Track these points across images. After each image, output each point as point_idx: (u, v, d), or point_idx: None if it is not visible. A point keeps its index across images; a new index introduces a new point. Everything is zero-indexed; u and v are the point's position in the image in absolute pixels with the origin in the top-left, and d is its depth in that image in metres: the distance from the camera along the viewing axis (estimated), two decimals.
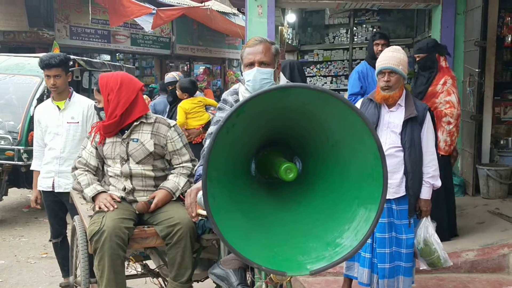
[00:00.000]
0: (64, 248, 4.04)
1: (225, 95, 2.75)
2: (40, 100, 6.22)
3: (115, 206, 2.78)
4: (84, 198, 2.96)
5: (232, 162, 1.78)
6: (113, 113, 2.88)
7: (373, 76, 4.52)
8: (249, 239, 1.70)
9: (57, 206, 3.93)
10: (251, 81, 2.48)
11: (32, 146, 5.79)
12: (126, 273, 3.14)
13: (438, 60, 4.44)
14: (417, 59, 4.57)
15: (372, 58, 4.75)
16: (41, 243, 5.48)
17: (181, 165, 3.02)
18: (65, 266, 3.99)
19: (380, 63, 3.08)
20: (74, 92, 3.94)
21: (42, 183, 3.89)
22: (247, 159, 1.97)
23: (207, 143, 2.54)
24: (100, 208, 2.77)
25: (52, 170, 3.84)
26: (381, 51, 4.45)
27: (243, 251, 1.62)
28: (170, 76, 6.56)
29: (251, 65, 2.50)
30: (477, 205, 5.54)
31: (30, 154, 5.92)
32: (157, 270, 3.11)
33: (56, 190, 3.84)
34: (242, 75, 2.62)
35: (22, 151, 6.14)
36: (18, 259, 5.01)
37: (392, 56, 3.04)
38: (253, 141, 1.89)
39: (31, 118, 6.10)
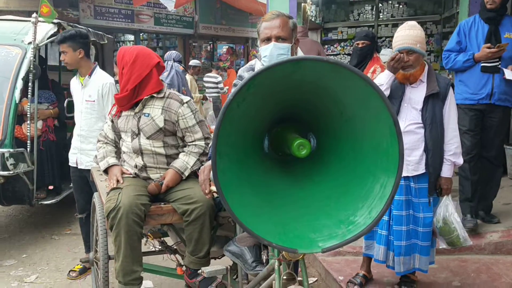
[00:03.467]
0: (88, 223, 4.10)
1: (241, 71, 2.70)
2: (26, 81, 4.51)
3: (121, 182, 2.80)
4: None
5: (244, 138, 1.74)
6: (125, 87, 2.87)
7: (479, 31, 4.06)
8: (260, 216, 1.68)
9: (83, 182, 4.00)
10: (268, 57, 2.42)
11: (19, 147, 4.47)
12: (145, 250, 3.17)
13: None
14: (360, 45, 4.79)
15: (483, 9, 4.11)
16: (65, 220, 5.59)
17: (193, 143, 2.96)
18: (88, 242, 4.06)
19: (397, 43, 2.98)
20: (97, 69, 3.92)
21: (70, 159, 4.01)
22: (260, 135, 1.94)
23: None
24: (113, 184, 2.80)
25: (76, 146, 3.92)
26: None
27: (254, 227, 1.59)
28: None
29: (268, 40, 2.44)
30: (504, 186, 5.38)
31: (18, 158, 4.41)
32: (175, 247, 3.12)
33: (79, 167, 3.90)
34: (259, 50, 2.56)
35: (7, 155, 4.32)
36: (43, 235, 5.12)
37: (408, 35, 2.93)
38: (265, 116, 1.85)
39: (17, 106, 4.50)
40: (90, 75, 3.85)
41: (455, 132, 2.98)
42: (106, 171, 2.98)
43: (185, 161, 2.90)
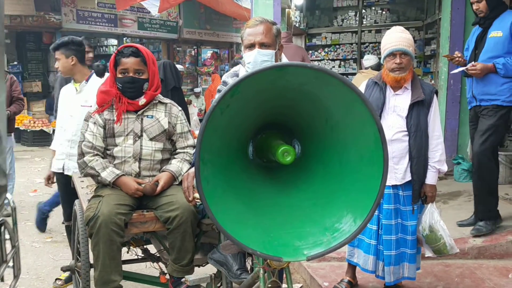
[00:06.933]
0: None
1: (225, 77, 2.68)
2: None
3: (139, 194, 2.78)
4: (98, 182, 2.86)
5: (228, 144, 1.72)
6: (157, 84, 2.93)
7: (474, 35, 4.18)
8: (244, 223, 1.66)
9: (69, 188, 3.92)
10: (252, 63, 2.40)
11: None
12: (127, 257, 3.12)
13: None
14: None
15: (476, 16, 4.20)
16: (46, 227, 5.48)
17: (185, 150, 2.98)
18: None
19: (390, 44, 2.94)
20: (94, 75, 3.89)
21: (55, 165, 3.92)
22: (244, 142, 1.92)
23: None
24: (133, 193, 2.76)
25: (64, 152, 3.85)
26: (477, 9, 4.04)
27: (238, 235, 1.57)
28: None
29: (251, 46, 2.42)
30: None
31: None
32: (158, 255, 3.08)
33: (65, 173, 3.83)
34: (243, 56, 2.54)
35: None
36: (23, 243, 5.01)
37: (402, 37, 2.93)
38: (250, 123, 1.83)
39: None
40: (87, 80, 3.82)
41: (439, 139, 2.98)
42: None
43: (180, 166, 2.89)
